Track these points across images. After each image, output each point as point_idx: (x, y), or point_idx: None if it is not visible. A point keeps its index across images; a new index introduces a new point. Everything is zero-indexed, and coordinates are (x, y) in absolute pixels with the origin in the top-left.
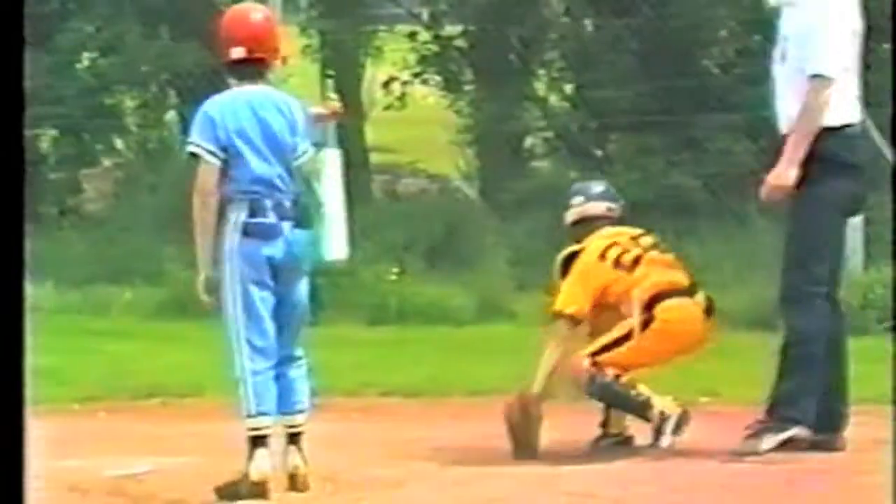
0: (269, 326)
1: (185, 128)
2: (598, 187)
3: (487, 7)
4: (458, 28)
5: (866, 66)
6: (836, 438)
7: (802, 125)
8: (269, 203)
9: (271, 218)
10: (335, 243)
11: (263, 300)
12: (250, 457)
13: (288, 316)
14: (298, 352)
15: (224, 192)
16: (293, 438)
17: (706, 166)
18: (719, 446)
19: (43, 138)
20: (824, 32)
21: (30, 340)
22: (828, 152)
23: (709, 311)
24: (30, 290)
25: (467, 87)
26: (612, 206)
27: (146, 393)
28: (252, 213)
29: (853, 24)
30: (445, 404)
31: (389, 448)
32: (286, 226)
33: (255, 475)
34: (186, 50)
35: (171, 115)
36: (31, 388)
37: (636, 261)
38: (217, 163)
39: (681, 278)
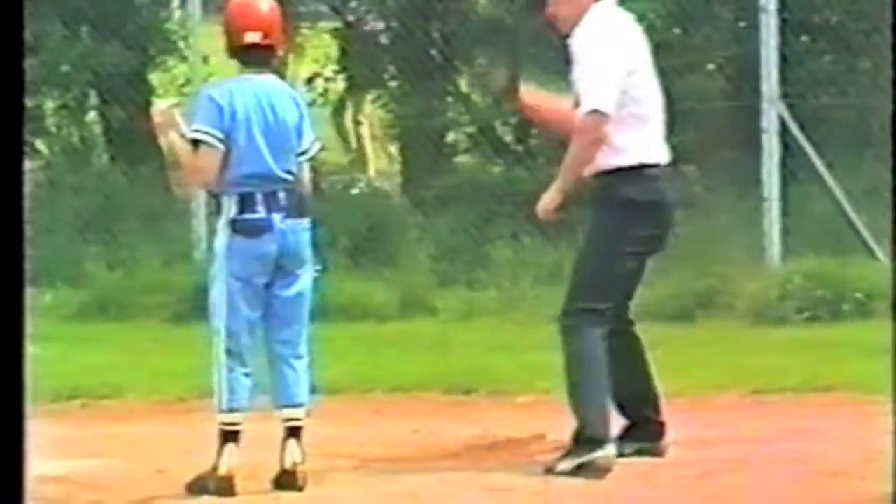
0: (250, 324)
1: (106, 129)
2: None
3: (409, 4)
4: (381, 24)
5: None
6: (659, 447)
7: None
8: (259, 196)
9: (260, 212)
10: None
11: (248, 299)
12: (220, 452)
13: (289, 309)
14: (301, 346)
15: (217, 186)
16: (293, 432)
17: None
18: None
19: None
20: (593, 72)
21: None
22: (623, 192)
23: None
24: None
25: (390, 84)
26: None
27: (66, 395)
28: (241, 209)
29: (629, 62)
30: (367, 401)
31: (311, 445)
32: (277, 217)
33: (222, 470)
34: (108, 51)
35: (92, 116)
36: None
37: None
38: (222, 147)
39: None
